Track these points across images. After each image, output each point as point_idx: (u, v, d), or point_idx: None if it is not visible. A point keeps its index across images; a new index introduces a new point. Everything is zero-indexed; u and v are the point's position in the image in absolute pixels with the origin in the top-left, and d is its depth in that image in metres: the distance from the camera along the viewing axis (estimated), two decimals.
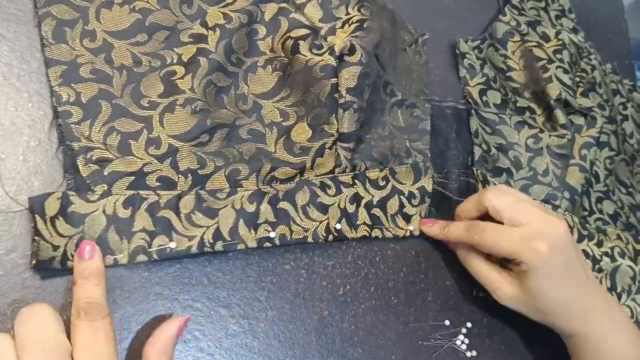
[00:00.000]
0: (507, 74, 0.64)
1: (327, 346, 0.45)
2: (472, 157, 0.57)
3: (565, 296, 0.45)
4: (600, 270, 0.61)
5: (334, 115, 0.46)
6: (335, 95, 0.46)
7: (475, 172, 0.56)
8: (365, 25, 0.47)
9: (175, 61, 0.45)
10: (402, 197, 0.51)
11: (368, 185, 0.49)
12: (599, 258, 0.61)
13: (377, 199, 0.49)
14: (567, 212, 0.59)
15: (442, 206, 0.53)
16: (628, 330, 0.47)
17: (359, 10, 0.49)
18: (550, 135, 0.60)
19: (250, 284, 0.44)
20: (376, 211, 0.49)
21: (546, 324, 0.47)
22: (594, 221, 0.63)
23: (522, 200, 0.47)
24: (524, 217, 0.45)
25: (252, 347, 0.43)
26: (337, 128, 0.46)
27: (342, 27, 0.49)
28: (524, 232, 0.44)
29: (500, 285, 0.47)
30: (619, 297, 0.62)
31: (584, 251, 0.60)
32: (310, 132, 0.46)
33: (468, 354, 0.50)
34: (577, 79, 0.66)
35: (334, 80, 0.46)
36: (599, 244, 0.62)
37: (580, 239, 0.60)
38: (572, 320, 0.46)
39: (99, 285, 0.36)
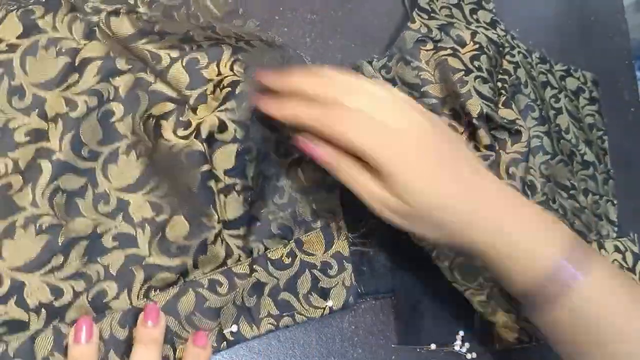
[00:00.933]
0: (423, 89, 0.57)
1: (327, 346, 0.45)
2: None
3: (439, 193, 0.36)
4: None
5: (211, 206, 0.39)
6: (210, 183, 0.39)
7: None
8: (237, 91, 0.40)
9: (10, 171, 0.37)
10: (314, 271, 0.44)
11: (271, 268, 0.43)
12: None
13: (284, 281, 0.43)
14: None
15: (363, 273, 0.47)
16: (538, 226, 0.38)
17: (231, 69, 0.42)
18: None
19: None
20: (285, 296, 0.43)
21: (441, 239, 0.39)
22: None
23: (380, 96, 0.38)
24: (383, 113, 0.37)
25: (252, 347, 0.43)
26: (218, 218, 0.40)
27: (213, 92, 0.41)
28: (379, 127, 0.36)
29: (374, 191, 0.37)
30: None
31: None
32: (188, 226, 0.39)
33: (468, 355, 0.50)
34: (499, 85, 0.60)
35: (205, 167, 0.39)
36: None
37: None
38: (465, 229, 0.37)
39: None
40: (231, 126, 0.39)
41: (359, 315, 0.47)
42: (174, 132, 0.39)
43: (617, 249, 0.64)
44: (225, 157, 0.39)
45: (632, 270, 0.64)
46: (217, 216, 0.39)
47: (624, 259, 0.64)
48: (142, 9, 0.44)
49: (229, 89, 0.40)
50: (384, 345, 0.47)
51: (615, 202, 0.68)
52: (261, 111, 0.40)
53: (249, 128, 0.40)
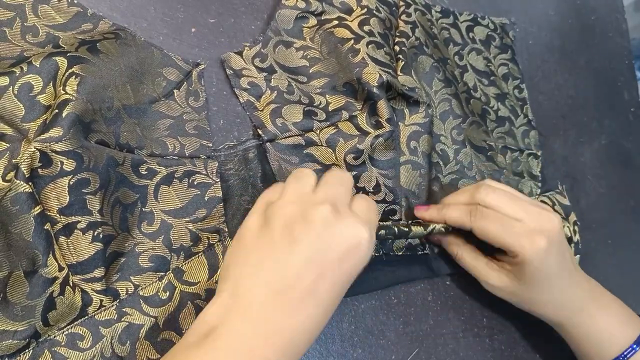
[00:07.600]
0: (311, 70, 0.51)
1: (327, 346, 0.45)
2: None
3: (559, 289, 0.46)
4: None
5: (51, 254, 0.33)
6: (47, 227, 0.33)
7: None
8: (65, 113, 0.34)
9: None
10: (198, 301, 0.39)
11: (145, 307, 0.38)
12: None
13: (163, 319, 0.38)
14: (402, 220, 0.49)
15: None
16: (617, 311, 0.48)
17: (63, 88, 0.35)
18: (373, 138, 0.49)
19: None
20: (165, 335, 0.38)
21: (534, 313, 0.48)
22: None
23: (516, 196, 0.47)
24: (520, 212, 0.45)
25: None
26: (59, 266, 0.34)
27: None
28: (524, 227, 0.44)
29: (489, 275, 0.48)
30: None
31: None
32: (28, 285, 0.33)
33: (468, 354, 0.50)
34: (396, 49, 0.55)
35: (37, 210, 0.33)
36: None
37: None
38: (562, 311, 0.47)
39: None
40: (56, 158, 0.33)
41: (358, 315, 0.46)
42: (3, 177, 0.33)
43: None
44: (57, 194, 0.33)
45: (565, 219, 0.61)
46: (56, 264, 0.34)
47: None
48: None
49: (57, 111, 0.34)
50: (384, 345, 0.47)
51: (538, 154, 0.64)
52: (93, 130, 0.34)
53: (82, 156, 0.34)
